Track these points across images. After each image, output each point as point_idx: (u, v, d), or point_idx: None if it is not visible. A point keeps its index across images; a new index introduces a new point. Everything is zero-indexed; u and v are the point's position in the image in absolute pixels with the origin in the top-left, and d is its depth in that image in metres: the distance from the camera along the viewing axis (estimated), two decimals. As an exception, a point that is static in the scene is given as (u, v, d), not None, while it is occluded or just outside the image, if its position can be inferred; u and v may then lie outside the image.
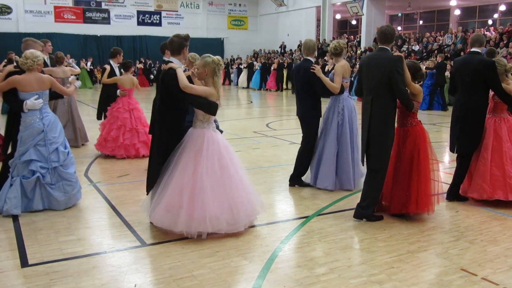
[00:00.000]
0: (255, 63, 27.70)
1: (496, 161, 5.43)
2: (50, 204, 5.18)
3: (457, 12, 27.27)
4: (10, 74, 5.25)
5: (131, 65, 8.27)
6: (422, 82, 5.12)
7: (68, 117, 8.67)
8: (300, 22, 30.45)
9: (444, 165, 7.66)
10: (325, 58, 23.81)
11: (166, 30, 31.35)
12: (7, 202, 4.96)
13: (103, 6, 30.26)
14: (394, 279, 3.63)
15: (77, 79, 7.06)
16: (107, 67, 8.20)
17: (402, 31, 29.21)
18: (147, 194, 4.69)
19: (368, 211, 4.89)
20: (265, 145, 9.42)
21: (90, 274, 3.68)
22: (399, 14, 31.21)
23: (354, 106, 6.17)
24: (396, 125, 4.97)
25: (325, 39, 27.71)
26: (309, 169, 6.33)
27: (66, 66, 8.93)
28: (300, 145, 6.32)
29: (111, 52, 8.46)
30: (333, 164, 6.00)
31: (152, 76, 28.09)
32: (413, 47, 23.26)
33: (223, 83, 26.97)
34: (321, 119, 6.19)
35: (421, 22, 30.53)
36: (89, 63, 27.33)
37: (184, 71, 4.69)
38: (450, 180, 5.81)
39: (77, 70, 9.58)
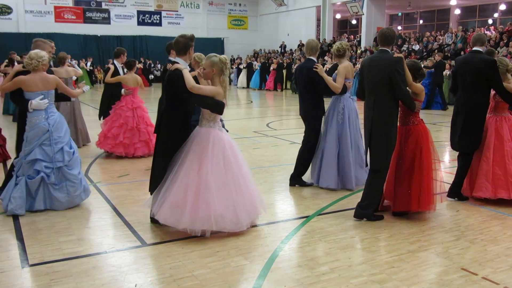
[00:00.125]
0: (254, 63, 27.71)
1: (498, 160, 5.44)
2: (52, 204, 5.18)
3: (457, 11, 27.27)
4: (18, 74, 5.27)
5: (135, 64, 8.27)
6: (420, 81, 5.12)
7: (70, 118, 8.66)
8: (300, 22, 30.45)
9: (444, 165, 7.65)
10: (325, 58, 23.81)
11: (166, 30, 31.39)
12: (12, 201, 4.97)
13: (103, 6, 30.28)
14: (394, 278, 3.63)
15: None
16: (111, 66, 8.20)
17: (402, 31, 29.21)
18: (150, 193, 4.69)
19: (369, 211, 4.89)
20: (265, 145, 9.42)
21: (90, 274, 3.68)
22: (399, 14, 31.20)
23: (355, 107, 6.17)
24: (398, 124, 5.00)
25: (325, 39, 27.70)
26: (310, 168, 6.34)
27: (69, 66, 8.96)
28: (301, 145, 6.33)
29: (115, 52, 8.46)
30: (335, 163, 6.01)
31: (152, 76, 28.06)
32: (413, 47, 23.26)
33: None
34: (323, 118, 6.20)
35: (421, 21, 30.52)
36: (88, 63, 27.32)
37: (190, 71, 4.69)
38: (450, 180, 5.81)
39: (79, 71, 9.58)
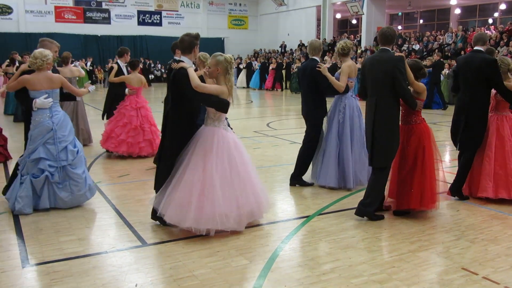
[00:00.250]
0: (254, 63, 27.70)
1: (499, 160, 5.46)
2: (56, 203, 5.20)
3: (458, 11, 27.26)
4: (24, 73, 5.28)
5: (139, 64, 8.27)
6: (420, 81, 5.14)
7: (72, 117, 8.65)
8: (300, 22, 30.45)
9: (445, 164, 7.65)
10: (325, 57, 23.80)
11: (166, 30, 31.40)
12: (19, 201, 4.99)
13: (104, 6, 30.28)
14: (395, 278, 3.63)
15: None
16: (115, 66, 8.19)
17: (403, 30, 29.19)
18: (156, 191, 4.68)
19: (370, 209, 4.90)
20: (265, 144, 9.41)
21: (91, 274, 3.68)
22: (400, 13, 31.19)
23: (357, 106, 6.18)
24: (400, 123, 5.01)
25: (325, 39, 27.69)
26: (310, 168, 6.35)
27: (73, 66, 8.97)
28: (301, 144, 6.33)
29: (119, 51, 8.45)
30: (335, 162, 6.02)
31: (152, 76, 28.08)
32: (414, 46, 23.26)
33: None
34: (325, 118, 6.21)
35: (421, 21, 30.51)
36: (88, 63, 27.32)
37: (195, 70, 4.70)
38: (450, 179, 5.81)
39: (83, 72, 9.58)
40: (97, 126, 9.52)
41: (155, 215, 4.66)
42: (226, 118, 4.76)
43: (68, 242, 4.31)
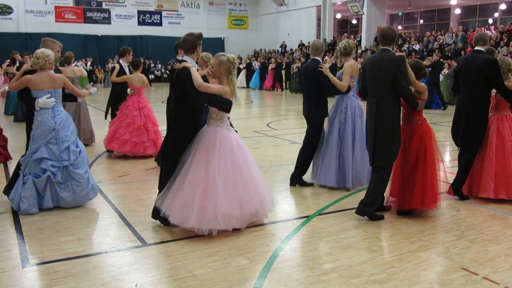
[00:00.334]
0: (254, 63, 27.70)
1: (499, 160, 5.46)
2: (59, 203, 5.21)
3: (458, 11, 27.26)
4: (26, 72, 5.28)
5: (141, 64, 8.26)
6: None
7: (75, 116, 8.64)
8: (301, 22, 30.45)
9: (445, 164, 7.64)
10: (325, 57, 23.79)
11: (166, 30, 31.41)
12: (24, 201, 5.00)
13: (104, 6, 30.28)
14: (395, 278, 3.63)
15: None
16: (117, 66, 8.19)
17: (403, 30, 29.20)
18: (159, 191, 4.68)
19: (371, 209, 4.90)
20: (265, 144, 9.42)
21: (91, 274, 3.68)
22: (400, 13, 31.19)
23: (359, 105, 6.18)
24: (402, 123, 5.03)
25: (325, 39, 27.69)
26: (310, 167, 6.36)
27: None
28: (302, 144, 6.33)
29: (121, 51, 8.44)
30: (335, 162, 6.02)
31: (152, 76, 28.08)
32: (414, 46, 23.26)
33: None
34: (326, 118, 6.22)
35: (421, 21, 30.51)
36: (88, 63, 27.31)
37: (198, 70, 4.71)
38: (451, 180, 5.81)
39: (85, 73, 9.56)
40: (98, 126, 9.52)
41: (155, 214, 4.67)
42: (228, 118, 4.76)
43: (68, 242, 4.31)
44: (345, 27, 34.06)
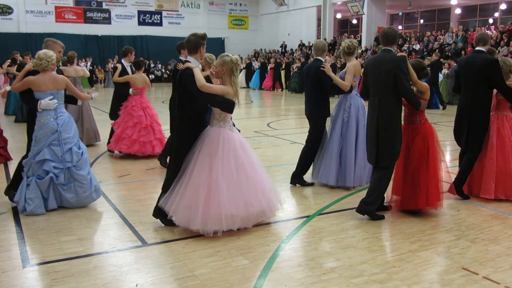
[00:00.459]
0: (253, 63, 27.69)
1: (500, 160, 5.47)
2: (62, 203, 5.21)
3: (458, 11, 27.25)
4: (28, 73, 5.27)
5: (144, 64, 8.26)
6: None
7: (78, 116, 8.65)
8: (301, 22, 30.45)
9: (445, 164, 7.64)
10: (326, 57, 23.78)
11: (166, 30, 31.42)
12: (30, 203, 5.00)
13: (104, 6, 30.28)
14: (395, 278, 3.63)
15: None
16: (119, 66, 8.18)
17: (403, 30, 29.19)
18: (162, 191, 4.69)
19: (372, 207, 4.91)
20: (266, 144, 9.41)
21: (91, 274, 3.68)
22: (400, 13, 31.18)
23: (362, 105, 6.19)
24: (404, 122, 5.04)
25: (325, 39, 27.68)
26: (312, 165, 6.38)
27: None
28: (304, 144, 6.34)
29: (123, 51, 8.43)
30: (336, 161, 6.03)
31: (152, 76, 28.06)
32: (414, 46, 23.26)
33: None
34: (328, 118, 6.24)
35: (421, 21, 30.50)
36: (88, 63, 27.29)
37: (202, 70, 4.71)
38: (451, 179, 5.80)
39: (87, 73, 9.56)
40: (99, 126, 9.49)
41: (157, 213, 4.68)
42: (231, 119, 4.77)
43: (68, 242, 4.31)
44: (345, 27, 34.05)
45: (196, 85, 4.35)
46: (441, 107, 16.25)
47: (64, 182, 5.15)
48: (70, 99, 5.64)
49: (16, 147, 8.27)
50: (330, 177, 6.05)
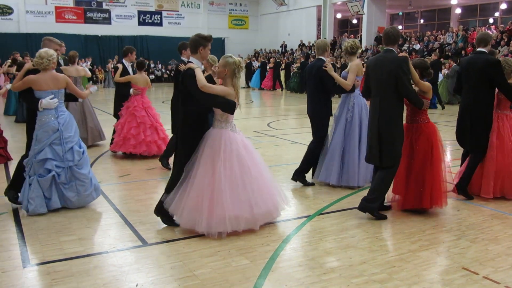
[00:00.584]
0: (253, 63, 27.68)
1: (499, 160, 5.47)
2: (65, 203, 5.21)
3: (458, 10, 27.25)
4: (28, 72, 5.27)
5: (145, 64, 8.25)
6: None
7: (80, 116, 8.64)
8: (301, 22, 30.44)
9: (446, 164, 7.64)
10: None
11: (167, 30, 31.42)
12: (31, 202, 4.99)
13: (104, 6, 30.29)
14: (395, 278, 3.63)
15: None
16: (120, 66, 8.18)
17: (403, 30, 29.17)
18: (166, 193, 4.68)
19: (373, 205, 4.91)
20: (266, 144, 9.41)
21: (91, 274, 3.68)
22: (400, 13, 31.18)
23: (365, 104, 6.20)
24: (406, 122, 5.05)
25: (325, 38, 27.67)
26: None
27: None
28: (310, 143, 6.35)
29: (124, 51, 8.42)
30: (338, 160, 6.04)
31: (152, 76, 28.07)
32: (414, 46, 23.25)
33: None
34: (331, 117, 6.25)
35: (422, 21, 30.50)
36: (88, 63, 27.28)
37: (203, 71, 4.70)
38: (451, 179, 5.80)
39: (89, 73, 9.57)
40: (104, 125, 9.47)
41: (158, 210, 4.68)
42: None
43: (68, 242, 4.31)
44: (345, 27, 34.05)
45: (197, 85, 4.35)
46: (439, 106, 16.24)
47: (65, 181, 5.15)
48: (69, 97, 5.64)
49: (16, 147, 8.27)
50: (331, 176, 6.06)
